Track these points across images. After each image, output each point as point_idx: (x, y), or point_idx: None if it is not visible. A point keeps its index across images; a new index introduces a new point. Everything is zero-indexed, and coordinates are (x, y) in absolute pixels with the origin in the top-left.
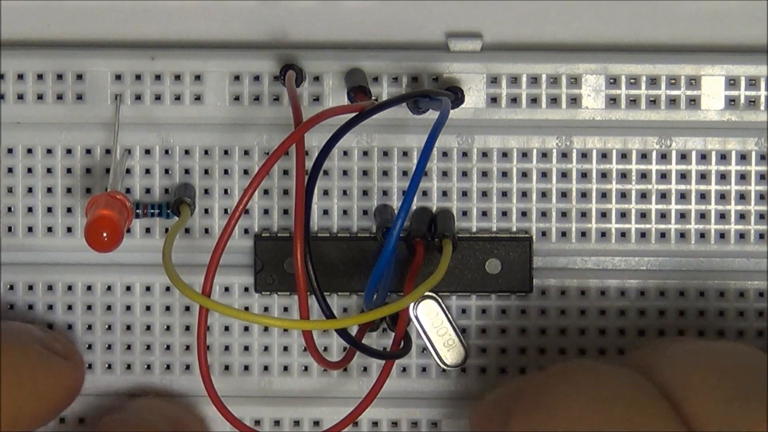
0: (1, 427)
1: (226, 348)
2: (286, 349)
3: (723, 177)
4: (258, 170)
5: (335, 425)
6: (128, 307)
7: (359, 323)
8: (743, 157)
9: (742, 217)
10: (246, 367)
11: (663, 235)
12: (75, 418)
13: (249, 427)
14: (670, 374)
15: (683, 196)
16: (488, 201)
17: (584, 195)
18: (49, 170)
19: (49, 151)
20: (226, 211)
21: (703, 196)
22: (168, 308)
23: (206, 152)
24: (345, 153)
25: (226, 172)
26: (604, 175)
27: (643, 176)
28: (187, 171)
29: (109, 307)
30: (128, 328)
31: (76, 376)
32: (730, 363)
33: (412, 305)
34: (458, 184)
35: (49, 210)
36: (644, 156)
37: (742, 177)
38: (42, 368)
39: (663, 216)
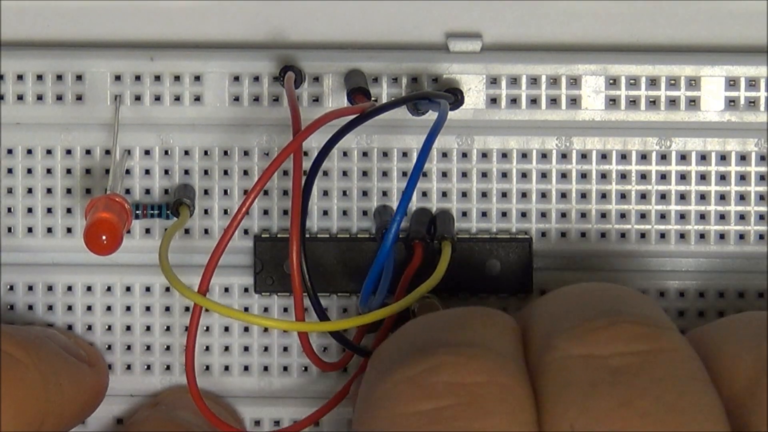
0: None
1: (226, 348)
2: (285, 349)
3: (723, 178)
4: (258, 178)
5: (299, 422)
6: (128, 308)
7: (356, 326)
8: (743, 158)
9: (741, 217)
10: (246, 368)
11: (663, 236)
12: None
13: (234, 427)
14: (530, 308)
15: (683, 197)
16: (488, 202)
17: (584, 196)
18: (48, 171)
19: (48, 151)
20: (225, 211)
21: (702, 197)
22: (168, 309)
23: (206, 153)
24: (344, 154)
25: (225, 172)
26: (603, 176)
27: (643, 177)
28: (186, 172)
29: (108, 308)
30: (128, 328)
31: (100, 381)
32: (577, 292)
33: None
34: (458, 184)
35: (49, 211)
36: (644, 157)
37: (742, 178)
38: (67, 374)
39: (663, 217)
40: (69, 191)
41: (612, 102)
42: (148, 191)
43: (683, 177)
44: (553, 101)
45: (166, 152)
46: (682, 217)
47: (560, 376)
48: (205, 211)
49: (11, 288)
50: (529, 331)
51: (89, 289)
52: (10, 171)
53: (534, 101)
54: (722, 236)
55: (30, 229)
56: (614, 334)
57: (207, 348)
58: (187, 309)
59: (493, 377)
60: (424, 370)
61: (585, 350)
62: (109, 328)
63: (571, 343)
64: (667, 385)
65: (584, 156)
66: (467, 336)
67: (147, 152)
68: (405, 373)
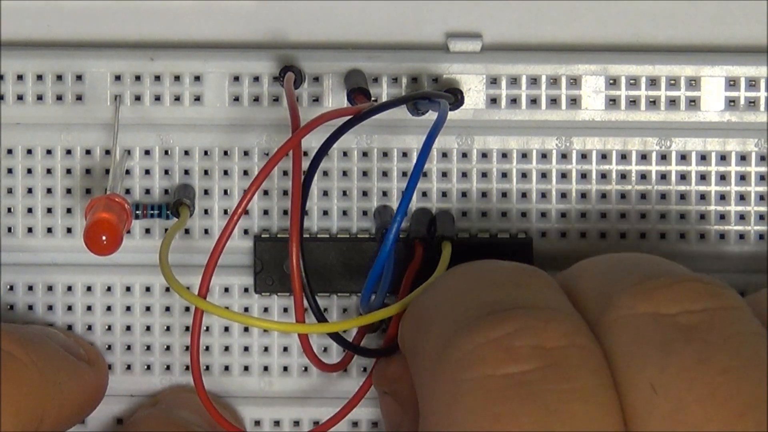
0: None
1: (226, 349)
2: (285, 349)
3: (723, 178)
4: (256, 176)
5: (326, 422)
6: (128, 308)
7: (356, 326)
8: (743, 158)
9: (741, 218)
10: (246, 368)
11: (663, 236)
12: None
13: (237, 428)
14: (571, 271)
15: (683, 197)
16: (488, 202)
17: (584, 196)
18: (48, 171)
19: (48, 151)
20: (225, 211)
21: (702, 197)
22: (168, 309)
23: (206, 153)
24: (345, 154)
25: (225, 172)
26: (603, 176)
27: (643, 177)
28: (186, 172)
29: (108, 308)
30: (128, 328)
31: (100, 380)
32: (621, 256)
33: None
34: (458, 185)
35: (49, 211)
36: (644, 157)
37: (742, 178)
38: (66, 372)
39: (663, 217)
40: (69, 191)
41: (612, 102)
42: (148, 191)
43: (683, 177)
44: (553, 101)
45: (166, 152)
46: (682, 217)
47: (630, 334)
48: (205, 211)
49: (11, 288)
50: (575, 290)
51: (89, 289)
52: (10, 171)
53: (534, 101)
54: (722, 236)
55: (30, 229)
56: (679, 292)
57: (207, 348)
58: (187, 309)
59: (572, 340)
60: (507, 333)
61: (651, 308)
62: (109, 328)
63: (635, 301)
64: (741, 341)
65: (584, 156)
66: (535, 296)
67: (147, 152)
68: (487, 335)
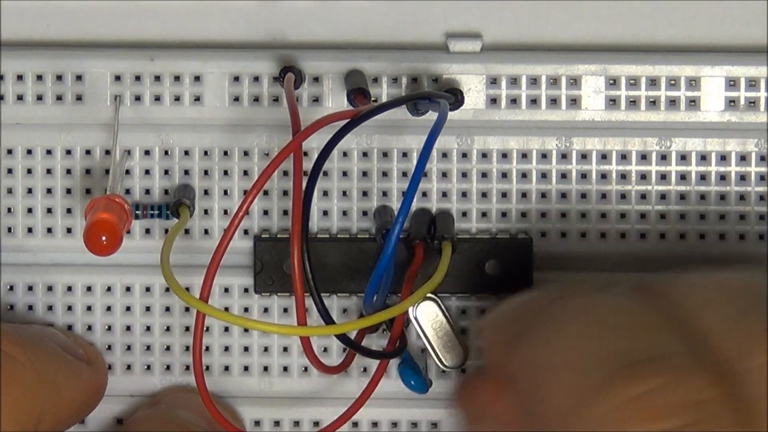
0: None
1: (226, 349)
2: (285, 350)
3: (723, 178)
4: (256, 179)
5: (330, 424)
6: (128, 308)
7: (359, 328)
8: (743, 158)
9: (741, 218)
10: (246, 368)
11: (663, 236)
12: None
13: (238, 428)
14: (682, 296)
15: (683, 197)
16: (488, 202)
17: (584, 196)
18: (48, 171)
19: (48, 152)
20: (225, 212)
21: (702, 197)
22: (168, 309)
23: (206, 153)
24: (345, 154)
25: (225, 173)
26: (603, 176)
27: (643, 177)
28: (186, 172)
29: (108, 308)
30: (128, 328)
31: (99, 380)
32: (736, 284)
33: (411, 307)
34: (458, 185)
35: (49, 211)
36: (644, 157)
37: (742, 178)
38: (64, 372)
39: (663, 217)
40: (69, 191)
41: (612, 102)
42: (148, 191)
43: (683, 177)
44: (553, 101)
45: (166, 152)
46: (682, 217)
47: None
48: (205, 212)
49: (11, 288)
50: (692, 323)
51: (89, 289)
52: (10, 171)
53: (534, 101)
54: (722, 236)
55: (30, 229)
56: None
57: (207, 348)
58: (187, 309)
59: (715, 391)
60: (649, 389)
61: None
62: (109, 328)
63: None
64: None
65: (584, 156)
66: (660, 341)
67: (147, 152)
68: (628, 392)
